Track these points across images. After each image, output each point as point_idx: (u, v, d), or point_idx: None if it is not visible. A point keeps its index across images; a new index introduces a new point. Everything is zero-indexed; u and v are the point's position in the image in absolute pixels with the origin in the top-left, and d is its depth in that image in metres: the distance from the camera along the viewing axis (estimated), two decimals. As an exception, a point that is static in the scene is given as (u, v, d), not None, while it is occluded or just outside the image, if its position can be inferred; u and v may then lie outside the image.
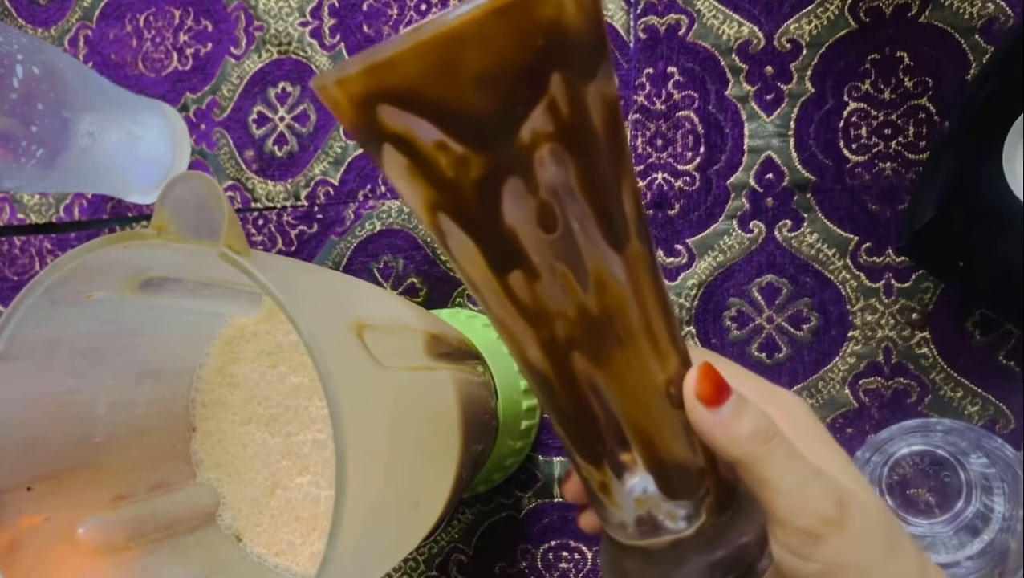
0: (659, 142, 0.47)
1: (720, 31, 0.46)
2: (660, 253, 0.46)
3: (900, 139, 0.43)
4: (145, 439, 0.38)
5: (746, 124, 0.45)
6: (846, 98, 0.44)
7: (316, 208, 0.52)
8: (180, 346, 0.39)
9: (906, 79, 0.43)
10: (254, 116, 0.54)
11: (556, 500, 0.49)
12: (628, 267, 0.22)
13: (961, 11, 0.43)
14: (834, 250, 0.44)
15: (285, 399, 0.40)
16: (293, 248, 0.53)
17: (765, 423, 0.25)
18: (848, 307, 0.44)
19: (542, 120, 0.20)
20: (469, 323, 0.47)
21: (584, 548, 0.48)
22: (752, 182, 0.45)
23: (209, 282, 0.35)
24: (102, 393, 0.36)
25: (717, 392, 0.24)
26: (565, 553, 0.48)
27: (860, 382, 0.44)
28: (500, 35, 0.18)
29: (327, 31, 0.53)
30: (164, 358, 0.38)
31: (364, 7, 0.52)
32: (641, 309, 0.23)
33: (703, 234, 0.46)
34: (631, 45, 0.47)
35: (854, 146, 0.44)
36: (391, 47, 0.18)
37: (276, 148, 0.53)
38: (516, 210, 0.21)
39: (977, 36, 0.42)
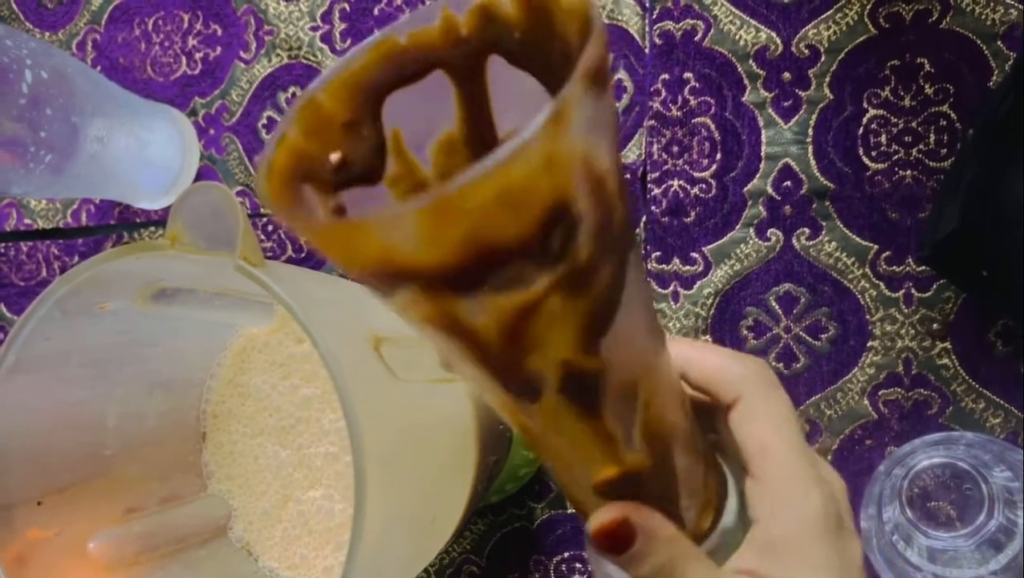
0: (675, 149, 0.46)
1: (737, 37, 0.45)
2: (676, 261, 0.46)
3: (921, 146, 0.43)
4: (155, 451, 0.37)
5: (763, 131, 0.45)
6: (865, 105, 0.43)
7: (326, 214, 0.52)
8: (191, 356, 0.38)
9: (927, 86, 0.43)
10: (264, 121, 0.53)
11: (569, 511, 0.48)
12: (543, 415, 0.21)
13: (983, 17, 0.42)
14: (853, 259, 0.43)
15: (297, 410, 0.39)
16: (302, 255, 0.52)
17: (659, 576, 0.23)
18: (867, 317, 0.43)
19: (400, 306, 0.18)
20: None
21: (598, 560, 0.48)
22: (770, 189, 0.45)
23: (222, 292, 0.35)
24: (113, 404, 0.35)
25: (613, 548, 0.23)
26: (579, 565, 0.48)
27: (879, 393, 0.43)
28: (339, 249, 0.16)
29: (338, 35, 0.52)
30: (175, 369, 0.38)
31: (375, 11, 0.51)
32: (565, 443, 0.22)
33: (719, 242, 0.45)
34: (647, 51, 0.46)
35: (874, 153, 0.43)
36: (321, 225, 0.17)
37: (286, 153, 0.53)
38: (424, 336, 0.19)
39: (999, 42, 0.42)
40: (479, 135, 0.21)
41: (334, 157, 0.20)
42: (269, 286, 0.27)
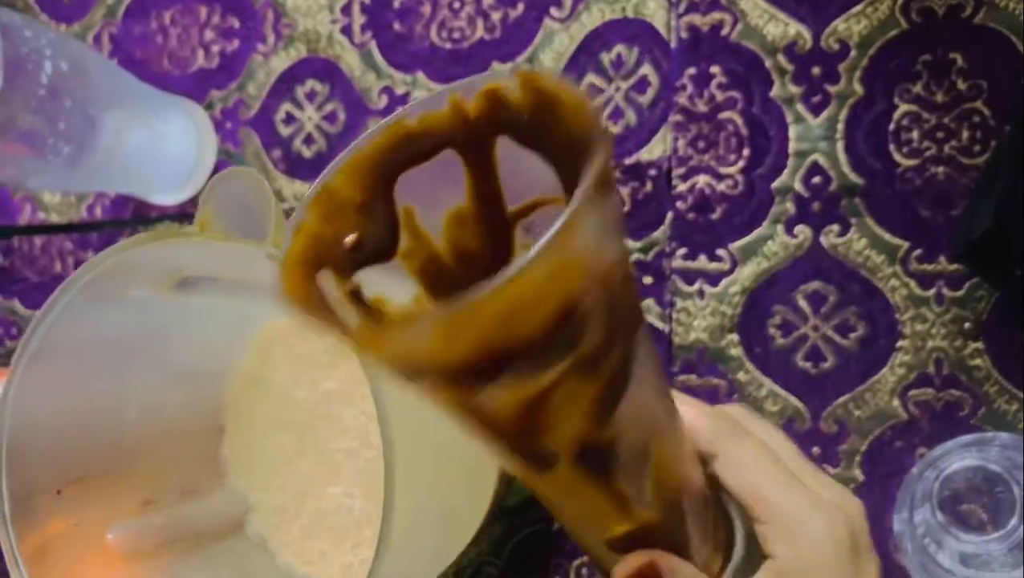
0: (701, 144, 0.45)
1: (765, 31, 0.44)
2: (702, 258, 0.45)
3: (953, 143, 0.42)
4: (175, 443, 0.37)
5: (791, 127, 0.44)
6: (896, 100, 0.43)
7: (345, 209, 0.51)
8: (213, 348, 0.38)
9: (959, 81, 0.42)
10: (282, 115, 0.53)
11: (590, 512, 0.47)
12: (556, 481, 0.21)
13: (1017, 12, 0.41)
14: (883, 257, 0.43)
15: (318, 406, 0.39)
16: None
17: None
18: (897, 316, 0.43)
19: (420, 391, 0.19)
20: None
21: (619, 562, 0.47)
22: (798, 186, 0.44)
23: (247, 281, 0.34)
24: (133, 395, 0.35)
25: None
26: (599, 566, 0.47)
27: (910, 394, 0.42)
28: None
29: (357, 29, 0.51)
30: (196, 360, 0.37)
31: (395, 4, 0.51)
32: (578, 505, 0.23)
33: (746, 239, 0.44)
34: (672, 45, 0.46)
35: (905, 150, 0.43)
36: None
37: (304, 147, 0.52)
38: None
39: (1034, 38, 0.41)
40: (488, 208, 0.21)
41: (349, 239, 0.21)
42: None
